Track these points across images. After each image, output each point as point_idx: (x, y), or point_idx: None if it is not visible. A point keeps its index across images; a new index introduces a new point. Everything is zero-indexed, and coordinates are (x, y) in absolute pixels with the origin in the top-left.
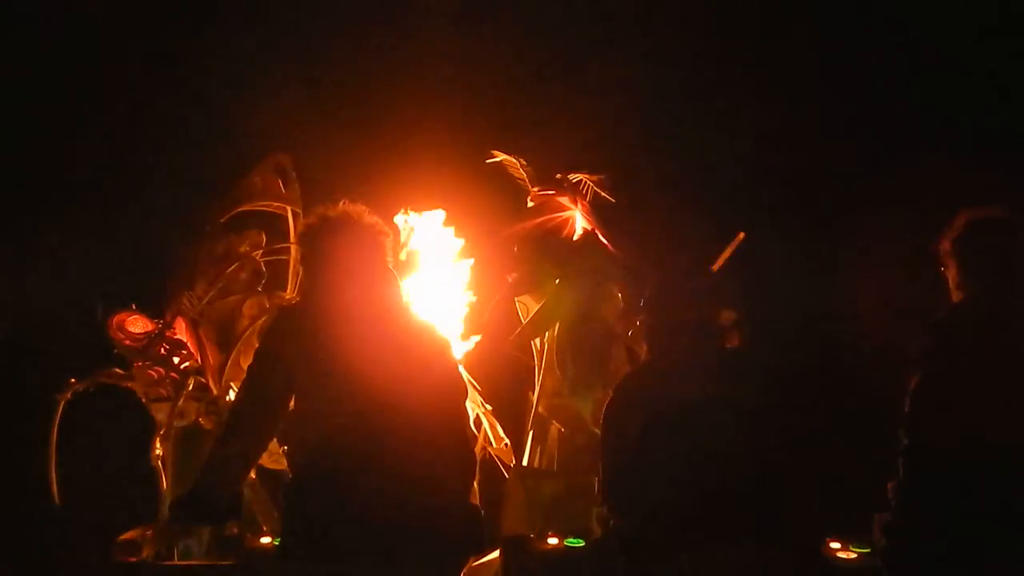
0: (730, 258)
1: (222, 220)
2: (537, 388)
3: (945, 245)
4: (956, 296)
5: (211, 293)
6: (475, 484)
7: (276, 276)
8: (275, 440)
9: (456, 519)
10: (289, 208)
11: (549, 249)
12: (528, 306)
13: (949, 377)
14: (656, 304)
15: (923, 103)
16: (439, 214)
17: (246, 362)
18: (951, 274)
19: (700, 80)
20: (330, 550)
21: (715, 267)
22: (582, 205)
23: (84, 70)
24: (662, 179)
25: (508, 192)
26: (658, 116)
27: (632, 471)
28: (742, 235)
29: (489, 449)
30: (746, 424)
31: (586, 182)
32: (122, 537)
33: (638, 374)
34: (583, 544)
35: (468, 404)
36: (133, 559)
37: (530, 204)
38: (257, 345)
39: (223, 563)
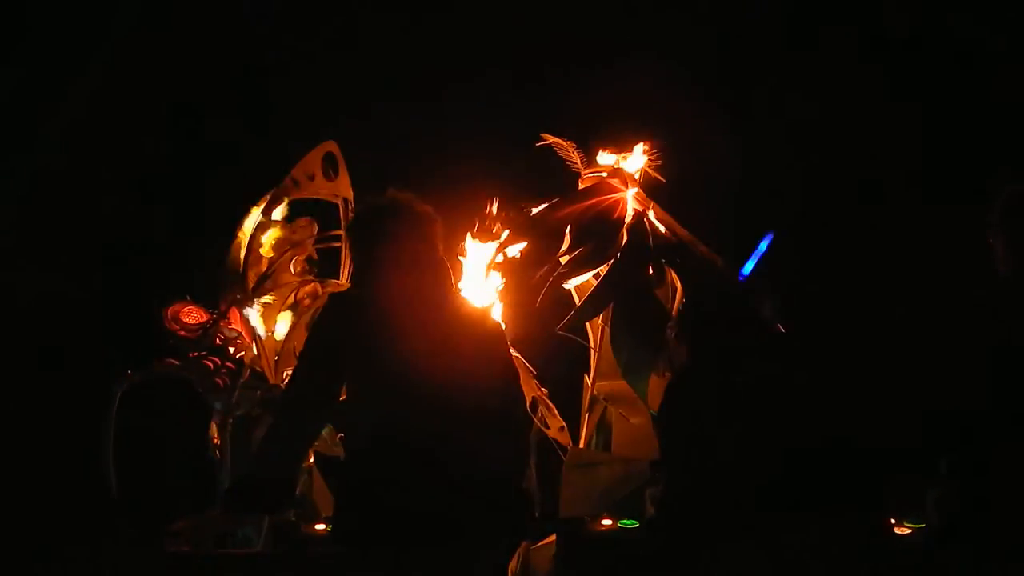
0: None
1: (272, 209)
2: (592, 370)
3: (991, 219)
4: (1003, 269)
5: (264, 283)
6: (532, 468)
7: (329, 264)
8: (331, 427)
9: (507, 504)
10: (340, 196)
11: (601, 231)
12: (581, 289)
13: (999, 352)
14: (706, 293)
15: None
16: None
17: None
18: (998, 247)
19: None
20: (382, 535)
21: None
22: (633, 186)
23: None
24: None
25: (558, 177)
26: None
27: (694, 456)
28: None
29: (545, 432)
30: (800, 405)
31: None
32: (174, 526)
33: (693, 360)
34: (637, 525)
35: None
36: (186, 548)
37: (581, 187)
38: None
39: (278, 551)
